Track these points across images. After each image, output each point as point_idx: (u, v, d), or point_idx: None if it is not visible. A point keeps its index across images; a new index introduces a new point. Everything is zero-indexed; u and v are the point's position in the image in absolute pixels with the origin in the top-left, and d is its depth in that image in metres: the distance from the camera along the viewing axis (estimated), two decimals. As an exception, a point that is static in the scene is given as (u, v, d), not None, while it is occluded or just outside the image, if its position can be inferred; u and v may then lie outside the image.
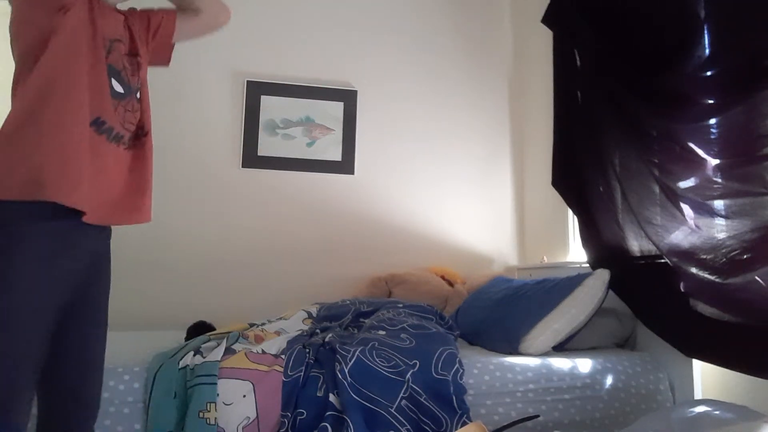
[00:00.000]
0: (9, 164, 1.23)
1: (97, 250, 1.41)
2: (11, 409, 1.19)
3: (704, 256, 1.79)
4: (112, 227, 1.47)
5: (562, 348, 2.14)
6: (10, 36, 1.32)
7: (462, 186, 3.41)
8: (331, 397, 1.70)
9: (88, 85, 1.31)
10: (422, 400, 1.73)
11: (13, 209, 1.22)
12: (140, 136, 1.47)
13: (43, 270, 1.24)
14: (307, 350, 1.84)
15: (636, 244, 2.19)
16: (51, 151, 1.24)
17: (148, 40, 1.55)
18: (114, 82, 1.38)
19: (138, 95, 1.46)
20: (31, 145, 1.24)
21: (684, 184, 1.90)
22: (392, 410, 1.70)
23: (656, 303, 2.06)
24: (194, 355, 1.77)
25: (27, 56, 1.28)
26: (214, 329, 2.17)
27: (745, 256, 1.64)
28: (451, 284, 3.04)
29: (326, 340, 1.93)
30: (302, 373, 1.74)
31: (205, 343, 1.88)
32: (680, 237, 1.91)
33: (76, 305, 1.35)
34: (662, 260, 2.01)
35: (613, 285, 2.17)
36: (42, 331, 1.25)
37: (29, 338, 1.23)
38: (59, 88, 1.26)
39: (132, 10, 1.55)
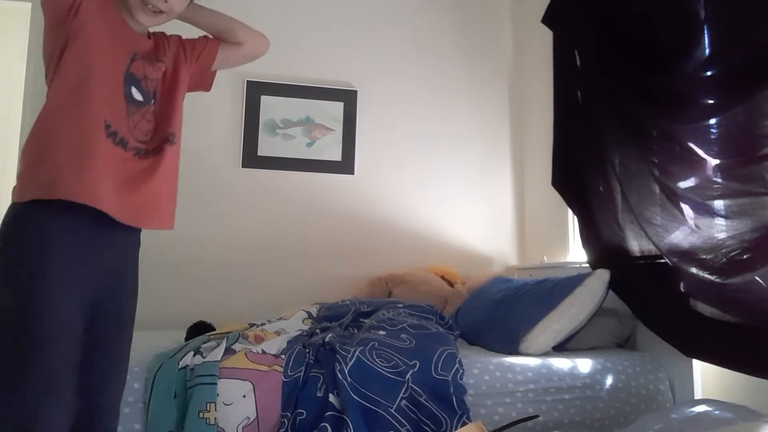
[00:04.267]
0: (31, 168, 1.28)
1: (123, 250, 1.42)
2: (50, 411, 1.20)
3: (704, 256, 1.79)
4: None
5: (562, 348, 2.14)
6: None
7: (462, 186, 3.42)
8: (331, 397, 1.70)
9: (103, 89, 1.33)
10: (422, 400, 1.73)
11: (35, 210, 1.25)
12: (161, 146, 1.45)
13: (68, 268, 1.25)
14: (307, 350, 1.84)
15: (636, 244, 2.19)
16: (66, 151, 1.27)
17: (189, 62, 1.57)
18: (133, 90, 1.40)
19: (155, 104, 1.47)
20: (48, 147, 1.27)
21: (684, 184, 1.90)
22: (392, 410, 1.70)
23: (656, 303, 2.06)
24: (194, 355, 1.77)
25: (49, 64, 1.34)
26: (214, 329, 2.17)
27: (745, 256, 1.64)
28: (451, 284, 3.04)
29: (326, 340, 1.93)
30: (302, 373, 1.74)
31: (205, 343, 1.88)
32: (680, 237, 1.91)
33: (102, 304, 1.35)
34: (662, 260, 2.01)
35: (613, 285, 2.17)
36: (71, 329, 1.26)
37: (60, 339, 1.23)
38: (75, 92, 1.29)
39: (173, 35, 1.58)
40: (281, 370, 1.74)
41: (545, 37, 2.92)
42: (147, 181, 1.40)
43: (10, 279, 1.23)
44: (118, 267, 1.40)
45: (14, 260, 1.23)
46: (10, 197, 1.30)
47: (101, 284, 1.34)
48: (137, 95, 1.41)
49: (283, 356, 1.80)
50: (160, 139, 1.46)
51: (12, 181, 1.35)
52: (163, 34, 1.56)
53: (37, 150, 1.28)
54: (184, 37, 1.60)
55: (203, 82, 1.67)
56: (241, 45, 1.66)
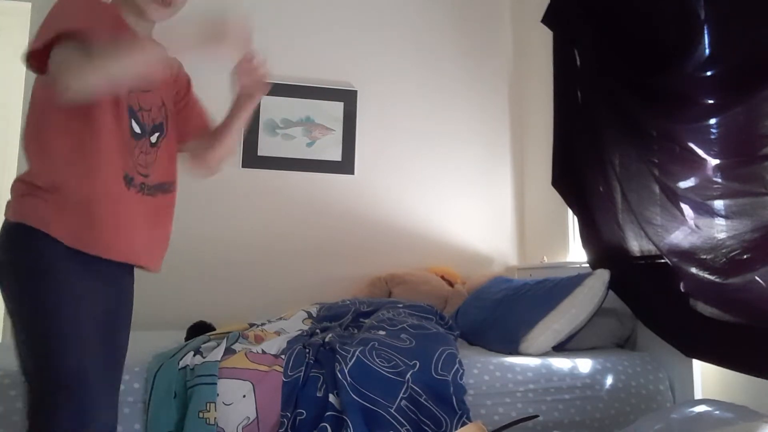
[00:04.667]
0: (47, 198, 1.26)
1: (123, 283, 1.43)
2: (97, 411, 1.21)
3: (704, 256, 1.79)
4: None
5: (562, 348, 2.14)
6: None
7: (462, 186, 3.42)
8: (331, 398, 1.70)
9: (117, 134, 1.31)
10: (422, 400, 1.73)
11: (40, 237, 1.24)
12: (161, 189, 1.44)
13: (77, 285, 1.25)
14: (307, 350, 1.84)
15: (636, 244, 2.19)
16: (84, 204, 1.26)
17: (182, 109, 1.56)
18: (133, 123, 1.37)
19: (153, 139, 1.42)
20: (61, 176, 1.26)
21: (684, 184, 1.90)
22: (392, 410, 1.70)
23: (656, 303, 2.06)
24: (194, 355, 1.77)
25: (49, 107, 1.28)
26: (214, 329, 2.17)
27: (745, 256, 1.64)
28: (451, 284, 3.04)
29: (326, 340, 1.93)
30: (302, 373, 1.74)
31: (205, 343, 1.88)
32: (680, 237, 1.91)
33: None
34: (662, 260, 2.01)
35: (613, 285, 2.17)
36: (96, 336, 1.28)
37: (89, 339, 1.24)
38: (90, 141, 1.28)
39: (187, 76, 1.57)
40: (281, 370, 1.74)
41: (545, 37, 2.92)
42: (158, 226, 1.43)
43: (26, 290, 1.22)
44: (120, 297, 1.42)
45: (27, 269, 1.23)
46: (11, 204, 1.28)
47: (107, 310, 1.35)
48: (137, 128, 1.37)
49: (283, 356, 1.80)
50: (162, 179, 1.44)
51: (12, 179, 1.34)
52: (179, 68, 1.55)
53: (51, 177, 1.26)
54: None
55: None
56: (208, 152, 1.60)
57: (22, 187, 1.29)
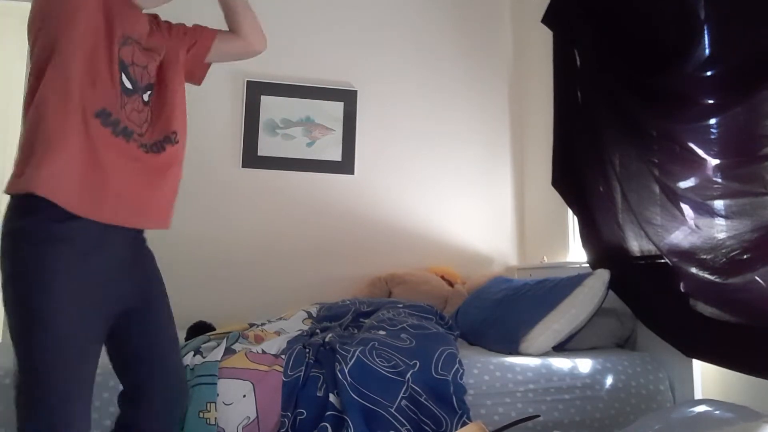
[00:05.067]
0: (19, 172, 1.22)
1: (134, 252, 1.40)
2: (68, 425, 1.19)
3: (704, 256, 1.79)
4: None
5: (562, 348, 2.14)
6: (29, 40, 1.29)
7: (462, 186, 3.42)
8: (331, 397, 1.70)
9: (92, 75, 1.24)
10: (422, 400, 1.73)
11: (42, 211, 1.19)
12: (164, 144, 1.40)
13: (70, 277, 1.22)
14: (307, 350, 1.84)
15: (636, 244, 2.19)
16: (46, 149, 1.20)
17: (183, 51, 1.52)
18: (123, 77, 1.32)
19: (145, 97, 1.39)
20: (32, 145, 1.22)
21: (684, 184, 1.90)
22: (392, 410, 1.70)
23: (656, 303, 2.06)
24: (194, 355, 1.77)
25: (41, 56, 1.25)
26: (214, 329, 2.17)
27: (745, 256, 1.64)
28: (451, 284, 3.04)
29: (326, 340, 1.93)
30: (302, 373, 1.74)
31: (205, 343, 1.88)
32: (680, 237, 1.91)
33: (135, 311, 1.37)
34: (662, 260, 2.01)
35: (613, 285, 2.17)
36: (86, 340, 1.25)
37: (73, 349, 1.22)
38: (58, 83, 1.22)
39: (167, 21, 1.53)
40: (281, 370, 1.74)
41: (545, 37, 2.92)
42: (160, 186, 1.38)
43: (20, 290, 1.20)
44: (135, 267, 1.39)
45: (20, 273, 1.20)
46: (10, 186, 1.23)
47: (123, 288, 1.34)
48: (127, 83, 1.33)
49: (283, 356, 1.80)
50: (159, 136, 1.40)
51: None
52: (158, 18, 1.50)
53: (25, 152, 1.22)
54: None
55: (194, 75, 1.60)
56: (241, 36, 1.61)
57: (19, 164, 1.24)
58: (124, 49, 1.32)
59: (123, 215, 1.30)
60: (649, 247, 2.11)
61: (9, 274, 1.21)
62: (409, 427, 1.69)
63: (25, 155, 1.23)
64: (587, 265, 2.45)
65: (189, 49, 1.54)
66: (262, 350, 1.82)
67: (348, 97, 3.30)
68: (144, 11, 1.42)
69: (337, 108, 3.28)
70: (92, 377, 1.27)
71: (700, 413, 1.48)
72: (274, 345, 1.86)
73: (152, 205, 1.38)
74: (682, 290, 1.92)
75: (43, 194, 1.17)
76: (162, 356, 1.42)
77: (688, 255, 1.86)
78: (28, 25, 1.30)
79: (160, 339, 1.43)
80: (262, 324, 2.23)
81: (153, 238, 1.49)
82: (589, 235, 2.45)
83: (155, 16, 1.51)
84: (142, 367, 1.39)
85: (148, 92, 1.41)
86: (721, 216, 1.77)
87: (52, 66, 1.22)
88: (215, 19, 1.66)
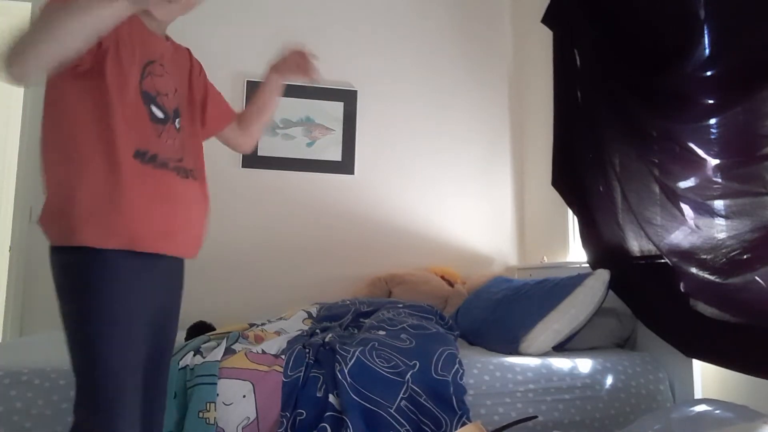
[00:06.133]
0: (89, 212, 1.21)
1: (176, 275, 1.44)
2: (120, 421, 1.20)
3: (704, 256, 1.78)
4: None
5: (562, 348, 2.14)
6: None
7: (462, 186, 3.42)
8: (331, 398, 1.70)
9: (123, 117, 1.25)
10: (422, 400, 1.73)
11: (93, 253, 1.20)
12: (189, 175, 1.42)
13: (127, 286, 1.24)
14: (307, 350, 1.84)
15: (636, 244, 2.19)
16: (92, 191, 1.21)
17: (201, 107, 1.54)
18: (153, 108, 1.32)
19: (177, 124, 1.39)
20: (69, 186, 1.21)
21: (684, 184, 1.90)
22: (392, 411, 1.70)
23: (656, 303, 2.06)
24: (194, 355, 1.77)
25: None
26: (214, 329, 2.17)
27: (745, 256, 1.64)
28: (451, 284, 3.04)
29: (326, 340, 1.93)
30: (302, 374, 1.74)
31: (205, 343, 1.88)
32: (680, 237, 1.91)
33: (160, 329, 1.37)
34: (662, 260, 2.01)
35: (613, 285, 2.17)
36: (138, 351, 1.26)
37: (128, 357, 1.23)
38: (92, 127, 1.23)
39: (198, 64, 1.55)
40: (281, 370, 1.74)
41: (545, 37, 2.92)
42: (198, 214, 1.45)
43: (78, 303, 1.20)
44: (171, 289, 1.42)
45: (81, 287, 1.20)
46: (45, 229, 1.24)
47: (160, 308, 1.36)
48: (158, 113, 1.34)
49: (283, 356, 1.80)
50: (194, 165, 1.44)
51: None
52: (195, 63, 1.53)
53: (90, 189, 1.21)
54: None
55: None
56: (245, 134, 1.69)
57: (50, 210, 1.24)
58: (146, 81, 1.32)
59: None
60: (649, 247, 2.11)
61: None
62: (408, 427, 1.69)
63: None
64: (587, 265, 2.45)
65: (213, 117, 1.59)
66: (262, 350, 1.82)
67: (348, 97, 3.30)
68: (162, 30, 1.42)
69: (337, 108, 3.28)
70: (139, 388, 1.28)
71: (699, 413, 1.48)
72: (274, 345, 1.86)
73: (198, 237, 1.46)
74: (682, 290, 1.92)
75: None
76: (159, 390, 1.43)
77: (688, 255, 1.86)
78: None
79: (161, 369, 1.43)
80: (262, 324, 2.23)
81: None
82: (589, 235, 2.45)
83: (188, 50, 1.53)
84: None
85: (177, 119, 1.40)
86: (721, 216, 1.76)
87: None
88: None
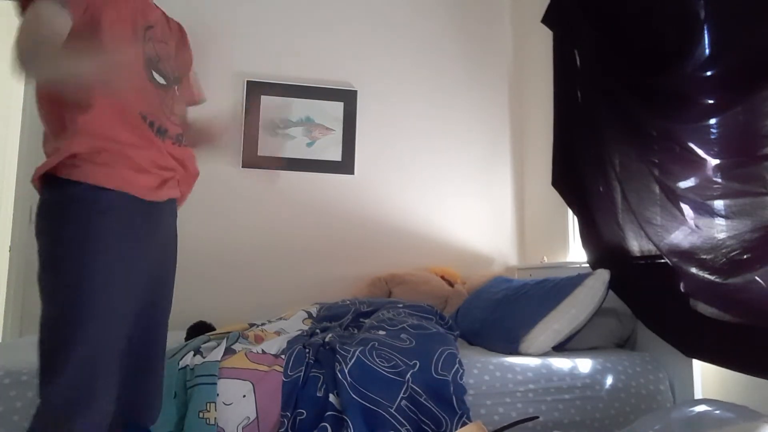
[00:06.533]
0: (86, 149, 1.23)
1: (168, 228, 1.44)
2: (98, 394, 1.18)
3: (704, 256, 1.78)
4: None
5: (562, 348, 2.14)
6: None
7: (462, 186, 3.42)
8: (331, 397, 1.70)
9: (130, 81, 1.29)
10: (422, 400, 1.73)
11: (88, 191, 1.21)
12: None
13: (123, 247, 1.24)
14: (307, 350, 1.84)
15: (636, 244, 2.19)
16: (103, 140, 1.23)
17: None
18: (154, 74, 1.36)
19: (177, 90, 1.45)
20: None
21: (684, 184, 1.90)
22: (392, 410, 1.70)
23: (656, 303, 2.06)
24: (194, 355, 1.77)
25: None
26: (214, 329, 2.17)
27: (745, 256, 1.64)
28: (451, 284, 3.04)
29: (326, 340, 1.93)
30: (302, 373, 1.74)
31: (205, 343, 1.88)
32: (680, 237, 1.91)
33: (156, 287, 1.39)
34: (662, 260, 2.01)
35: (613, 285, 2.17)
36: (122, 313, 1.25)
37: (110, 321, 1.22)
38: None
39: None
40: (281, 370, 1.74)
41: (545, 37, 2.92)
42: (191, 165, 1.46)
43: (61, 259, 1.19)
44: (166, 241, 1.43)
45: (66, 240, 1.19)
46: (39, 171, 1.24)
47: (155, 263, 1.36)
48: (160, 78, 1.38)
49: (283, 356, 1.80)
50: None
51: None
52: (178, 27, 1.56)
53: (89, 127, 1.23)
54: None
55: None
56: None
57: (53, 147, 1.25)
58: (148, 45, 1.36)
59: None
60: (649, 247, 2.11)
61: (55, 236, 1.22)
62: (408, 427, 1.69)
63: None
64: (587, 265, 2.45)
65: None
66: (262, 350, 1.82)
67: (348, 97, 3.30)
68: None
69: (337, 108, 3.28)
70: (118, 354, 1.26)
71: (700, 413, 1.48)
72: (274, 345, 1.86)
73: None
74: (682, 290, 1.92)
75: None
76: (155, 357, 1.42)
77: (688, 255, 1.86)
78: None
79: (158, 337, 1.43)
80: (262, 324, 2.23)
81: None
82: (589, 235, 2.45)
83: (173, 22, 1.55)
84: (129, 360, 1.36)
85: (176, 86, 1.46)
86: (721, 216, 1.77)
87: None
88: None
